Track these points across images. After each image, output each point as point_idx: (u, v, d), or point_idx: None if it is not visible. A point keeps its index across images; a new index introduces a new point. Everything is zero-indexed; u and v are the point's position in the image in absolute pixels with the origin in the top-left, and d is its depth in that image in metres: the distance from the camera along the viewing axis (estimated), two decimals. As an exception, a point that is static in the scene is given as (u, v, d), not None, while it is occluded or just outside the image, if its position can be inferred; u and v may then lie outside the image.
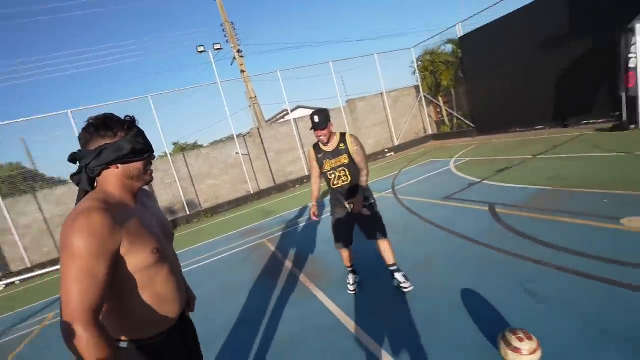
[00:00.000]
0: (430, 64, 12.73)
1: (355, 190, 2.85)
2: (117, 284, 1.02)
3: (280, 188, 10.99)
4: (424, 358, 2.06)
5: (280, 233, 5.81)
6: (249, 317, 3.16)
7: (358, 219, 2.95)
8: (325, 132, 2.69)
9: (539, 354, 1.69)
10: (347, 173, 2.81)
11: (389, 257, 2.95)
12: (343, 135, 2.85)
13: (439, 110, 13.89)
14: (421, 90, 13.46)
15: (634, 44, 6.23)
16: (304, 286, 3.52)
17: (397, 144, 13.15)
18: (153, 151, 1.17)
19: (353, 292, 3.05)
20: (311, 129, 2.76)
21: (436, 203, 5.06)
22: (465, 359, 1.97)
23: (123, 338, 1.08)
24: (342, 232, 2.98)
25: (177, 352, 1.21)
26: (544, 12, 8.52)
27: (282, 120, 20.06)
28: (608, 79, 7.31)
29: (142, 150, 1.10)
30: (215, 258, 5.42)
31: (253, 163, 11.32)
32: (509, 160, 6.70)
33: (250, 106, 17.25)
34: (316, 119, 2.66)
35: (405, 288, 2.85)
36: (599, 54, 7.44)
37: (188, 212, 9.92)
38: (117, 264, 1.00)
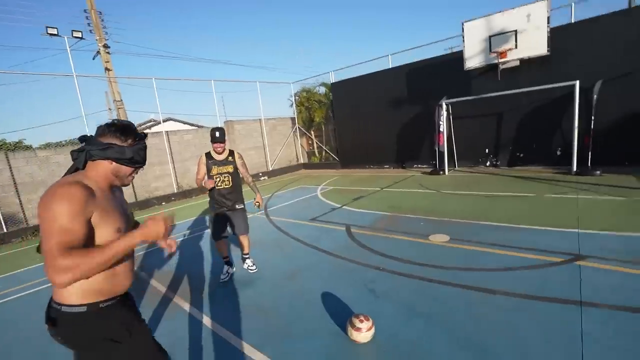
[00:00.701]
0: (306, 100, 14.19)
1: (235, 192, 3.69)
2: None
3: (142, 205, 9.87)
4: (290, 349, 2.41)
5: (143, 252, 5.31)
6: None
7: (231, 217, 3.71)
8: (223, 145, 3.53)
9: (373, 329, 2.28)
10: (230, 179, 3.64)
11: (246, 247, 3.91)
12: (232, 151, 3.70)
13: (310, 142, 15.41)
14: (296, 122, 14.72)
15: (442, 115, 8.80)
16: (171, 302, 3.41)
17: (271, 169, 13.79)
18: (145, 164, 1.41)
19: (226, 279, 3.69)
20: (212, 142, 3.49)
21: (304, 224, 5.70)
22: (322, 343, 2.42)
23: (81, 302, 1.23)
24: (220, 226, 3.70)
25: (125, 314, 1.38)
26: (393, 78, 10.96)
27: (149, 130, 18.13)
28: (430, 135, 9.87)
29: (138, 161, 1.35)
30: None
31: (109, 174, 9.84)
32: (363, 190, 8.10)
33: (110, 109, 15.06)
34: (217, 134, 3.46)
35: (252, 270, 3.87)
36: (426, 117, 9.99)
37: (5, 230, 7.75)
38: (88, 233, 1.17)
